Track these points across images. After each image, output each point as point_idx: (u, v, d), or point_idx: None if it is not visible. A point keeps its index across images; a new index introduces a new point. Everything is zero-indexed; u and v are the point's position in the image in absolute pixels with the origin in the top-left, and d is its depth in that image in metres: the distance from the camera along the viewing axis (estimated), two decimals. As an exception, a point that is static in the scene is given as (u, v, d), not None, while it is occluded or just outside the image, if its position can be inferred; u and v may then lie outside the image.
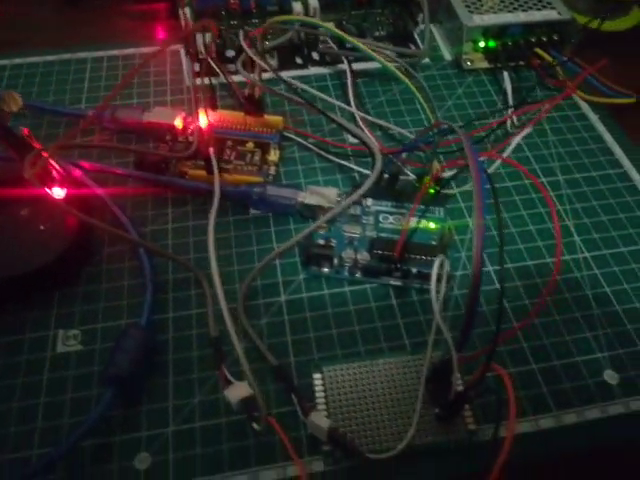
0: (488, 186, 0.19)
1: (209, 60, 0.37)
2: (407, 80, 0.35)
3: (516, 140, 0.34)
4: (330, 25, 0.35)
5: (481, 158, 0.31)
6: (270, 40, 0.39)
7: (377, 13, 0.39)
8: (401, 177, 0.30)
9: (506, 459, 0.19)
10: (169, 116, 0.34)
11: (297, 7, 0.37)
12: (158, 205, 0.31)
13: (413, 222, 0.28)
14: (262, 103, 0.34)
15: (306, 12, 0.38)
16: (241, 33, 0.34)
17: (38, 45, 0.41)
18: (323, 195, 0.30)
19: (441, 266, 0.22)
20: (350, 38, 0.34)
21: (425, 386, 0.23)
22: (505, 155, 0.33)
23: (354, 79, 0.37)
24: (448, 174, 0.29)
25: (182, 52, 0.40)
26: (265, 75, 0.38)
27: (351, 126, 0.31)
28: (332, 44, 0.38)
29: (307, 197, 0.30)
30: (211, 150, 0.30)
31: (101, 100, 0.37)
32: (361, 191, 0.28)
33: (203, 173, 0.31)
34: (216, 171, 0.29)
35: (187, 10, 0.37)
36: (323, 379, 0.24)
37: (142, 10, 0.44)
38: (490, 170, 0.32)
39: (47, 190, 0.27)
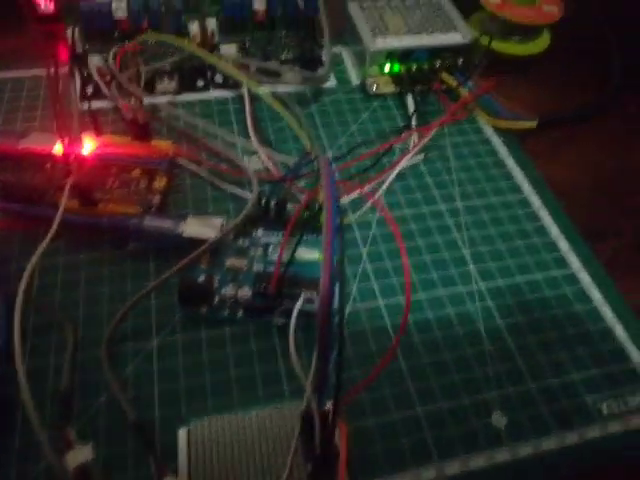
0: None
1: (98, 82, 0.35)
2: (281, 108, 0.33)
3: (403, 162, 0.32)
4: (196, 48, 0.34)
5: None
6: (159, 61, 0.36)
7: (281, 35, 0.38)
8: (289, 206, 0.29)
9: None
10: (48, 142, 0.31)
11: (194, 28, 0.36)
12: (28, 240, 0.29)
13: (297, 252, 0.26)
14: (147, 128, 0.32)
15: (203, 33, 0.36)
16: (111, 52, 0.32)
17: None
18: (207, 226, 0.28)
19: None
20: (214, 59, 0.33)
21: (298, 439, 0.21)
22: (391, 177, 0.32)
23: (252, 106, 0.35)
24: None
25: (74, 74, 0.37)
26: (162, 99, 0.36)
27: (230, 152, 0.30)
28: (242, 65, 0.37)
29: (188, 228, 0.28)
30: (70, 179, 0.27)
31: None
32: (237, 220, 0.26)
33: (74, 203, 0.28)
34: (64, 198, 0.26)
35: (74, 30, 0.35)
36: (188, 435, 0.22)
37: (37, 29, 0.41)
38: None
39: None
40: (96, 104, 0.35)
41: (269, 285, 0.25)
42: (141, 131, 0.32)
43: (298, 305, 0.19)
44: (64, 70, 0.37)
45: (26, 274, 0.22)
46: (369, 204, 0.30)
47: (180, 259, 0.28)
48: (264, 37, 0.38)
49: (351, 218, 0.30)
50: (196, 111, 0.36)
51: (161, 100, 0.36)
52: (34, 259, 0.23)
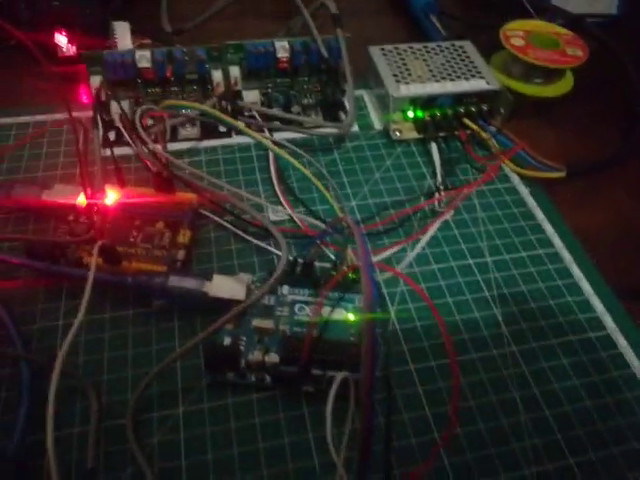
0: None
1: (122, 129, 0.35)
2: (304, 169, 0.32)
3: (432, 230, 0.31)
4: (206, 107, 0.34)
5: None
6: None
7: (303, 81, 0.38)
8: (317, 264, 0.28)
9: None
10: (71, 194, 0.31)
11: (217, 76, 0.36)
12: (50, 297, 0.28)
13: (327, 314, 0.26)
14: (171, 181, 0.31)
15: (227, 80, 0.36)
16: (137, 112, 0.32)
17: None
18: (232, 285, 0.27)
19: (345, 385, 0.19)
20: (230, 120, 0.33)
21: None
22: (424, 241, 0.31)
23: (276, 164, 0.35)
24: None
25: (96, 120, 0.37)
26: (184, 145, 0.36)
27: (253, 211, 0.29)
28: (256, 114, 0.36)
29: (214, 288, 0.27)
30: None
31: (3, 173, 0.34)
32: (270, 282, 0.26)
33: (99, 261, 0.28)
34: (94, 262, 0.26)
35: (97, 79, 0.35)
36: (217, 514, 0.21)
37: (57, 71, 0.41)
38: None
39: None
40: (118, 150, 0.35)
41: (299, 353, 0.24)
42: (165, 184, 0.31)
43: (334, 389, 0.19)
44: (87, 115, 0.38)
45: (67, 341, 0.22)
46: (397, 268, 0.29)
47: (206, 318, 0.27)
48: (286, 83, 0.38)
49: (379, 278, 0.29)
50: (218, 157, 0.36)
51: (183, 146, 0.36)
52: (73, 330, 0.22)
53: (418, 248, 0.30)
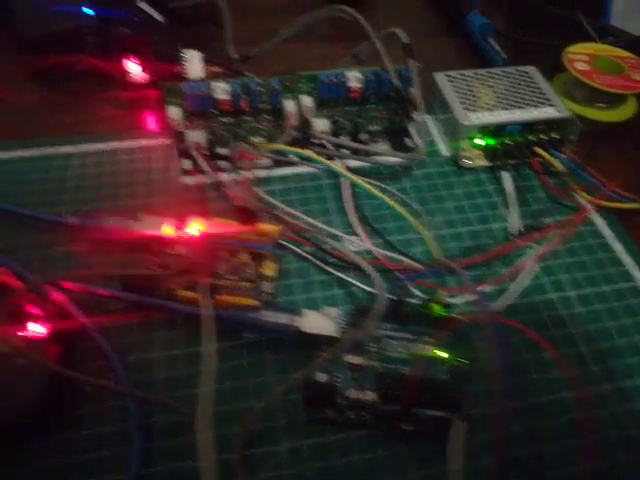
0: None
1: (200, 159, 0.36)
2: (389, 199, 0.32)
3: (521, 279, 0.31)
4: (310, 153, 0.34)
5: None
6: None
7: (371, 108, 0.38)
8: (408, 299, 0.28)
9: None
10: (159, 226, 0.32)
11: (289, 106, 0.36)
12: (144, 329, 0.29)
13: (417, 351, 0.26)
14: (256, 213, 0.32)
15: (299, 110, 0.36)
16: (233, 148, 0.32)
17: (13, 134, 0.39)
18: (323, 321, 0.28)
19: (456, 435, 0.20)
20: (323, 159, 0.33)
21: None
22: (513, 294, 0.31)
23: (351, 192, 0.35)
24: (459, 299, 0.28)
25: (170, 148, 0.38)
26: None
27: (335, 242, 0.30)
28: (328, 143, 0.37)
29: (305, 324, 0.28)
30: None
31: (81, 202, 0.35)
32: (367, 326, 0.26)
33: (195, 295, 0.29)
34: (209, 308, 0.27)
35: (175, 109, 0.35)
36: None
37: (128, 97, 0.42)
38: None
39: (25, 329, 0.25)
40: (192, 179, 0.36)
41: (397, 391, 0.25)
42: (249, 216, 0.32)
43: (451, 448, 0.19)
44: (158, 142, 0.39)
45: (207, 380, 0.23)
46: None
47: (295, 351, 0.28)
48: (354, 111, 0.38)
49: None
50: (290, 186, 0.36)
51: (257, 174, 0.37)
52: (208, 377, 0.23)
53: (509, 298, 0.31)
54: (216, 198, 0.35)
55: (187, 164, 0.37)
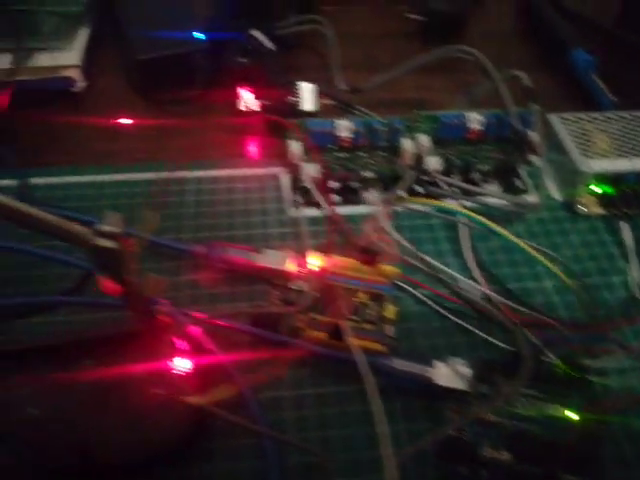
0: None
1: (315, 192, 0.36)
2: (531, 249, 0.32)
3: None
4: (468, 212, 0.34)
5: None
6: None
7: (486, 149, 0.38)
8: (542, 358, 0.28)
9: None
10: (281, 260, 0.32)
11: (407, 144, 0.36)
12: (272, 364, 0.30)
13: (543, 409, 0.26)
14: (378, 254, 0.32)
15: (417, 148, 0.37)
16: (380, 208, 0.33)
17: (126, 157, 0.40)
18: (454, 373, 0.28)
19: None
20: (473, 214, 0.33)
21: None
22: None
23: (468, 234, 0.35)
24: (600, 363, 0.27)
25: (283, 179, 0.39)
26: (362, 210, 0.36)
27: (477, 298, 0.30)
28: (440, 181, 0.37)
29: (436, 375, 0.28)
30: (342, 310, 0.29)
31: (199, 229, 0.36)
32: (514, 389, 0.26)
33: (323, 336, 0.29)
34: (355, 343, 0.27)
35: (295, 143, 0.36)
36: None
37: (239, 124, 0.43)
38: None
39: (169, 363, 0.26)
40: (308, 212, 0.37)
41: (533, 452, 0.25)
42: (370, 255, 0.32)
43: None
44: (277, 173, 0.39)
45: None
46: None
47: (421, 400, 0.28)
48: (468, 150, 0.38)
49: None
50: (401, 224, 0.36)
51: (362, 210, 0.37)
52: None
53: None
54: (329, 232, 0.36)
55: (300, 196, 0.37)
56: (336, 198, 0.37)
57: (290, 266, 0.32)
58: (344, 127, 0.35)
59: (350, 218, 0.36)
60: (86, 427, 0.26)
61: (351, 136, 0.35)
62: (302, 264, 0.32)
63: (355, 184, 0.38)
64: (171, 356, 0.26)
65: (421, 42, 0.53)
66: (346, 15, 0.56)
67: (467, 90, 0.40)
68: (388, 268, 0.33)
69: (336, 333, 0.29)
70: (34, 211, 0.18)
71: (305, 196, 0.37)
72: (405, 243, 0.33)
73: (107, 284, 0.20)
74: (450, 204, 0.35)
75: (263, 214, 0.37)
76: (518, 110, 0.36)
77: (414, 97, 0.46)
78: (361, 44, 0.51)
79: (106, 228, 0.19)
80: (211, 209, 0.37)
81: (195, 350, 0.27)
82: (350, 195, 0.37)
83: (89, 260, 0.20)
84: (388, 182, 0.38)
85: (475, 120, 0.36)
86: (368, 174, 0.38)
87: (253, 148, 0.41)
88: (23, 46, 0.43)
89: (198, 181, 0.39)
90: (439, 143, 0.37)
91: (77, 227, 0.19)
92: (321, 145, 0.36)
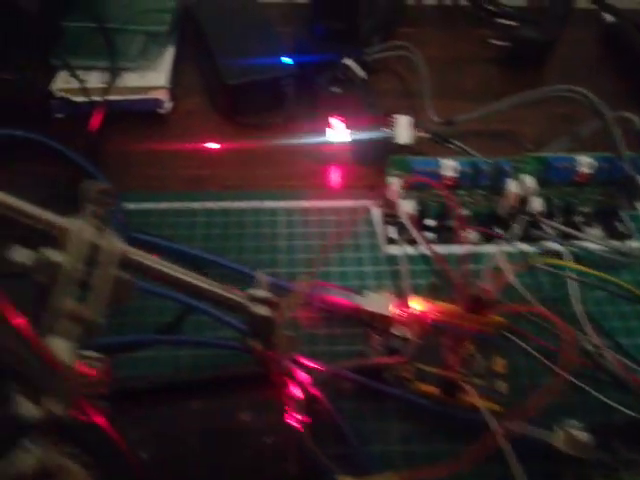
0: None
1: (412, 229, 0.35)
2: None
3: None
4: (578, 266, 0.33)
5: None
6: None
7: (588, 190, 0.37)
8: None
9: None
10: (383, 305, 0.31)
11: (512, 185, 0.35)
12: (380, 416, 0.29)
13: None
14: (490, 304, 0.31)
15: (522, 189, 0.35)
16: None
17: (219, 184, 0.40)
18: (572, 438, 0.26)
19: None
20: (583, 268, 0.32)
21: None
22: None
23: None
24: None
25: (375, 213, 0.38)
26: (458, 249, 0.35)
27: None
28: (543, 224, 0.35)
29: (556, 440, 0.26)
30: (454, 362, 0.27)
31: (293, 264, 0.35)
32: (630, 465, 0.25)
33: (433, 389, 0.28)
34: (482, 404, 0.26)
35: (395, 180, 0.35)
36: None
37: (329, 152, 0.42)
38: None
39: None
40: (401, 249, 0.36)
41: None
42: (479, 304, 0.31)
43: None
44: (369, 206, 0.38)
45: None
46: None
47: (543, 462, 0.27)
48: (571, 191, 0.37)
49: None
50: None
51: (457, 250, 0.36)
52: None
53: None
54: (424, 272, 0.35)
55: (393, 232, 0.36)
56: (431, 236, 0.36)
57: (392, 312, 0.31)
58: (449, 167, 0.34)
59: (446, 258, 0.35)
60: (195, 475, 0.25)
61: (456, 176, 0.34)
62: (404, 308, 0.31)
63: (451, 222, 0.36)
64: (287, 406, 0.25)
65: (504, 68, 0.52)
66: (424, 38, 0.55)
67: (573, 130, 0.38)
68: (496, 318, 0.31)
69: (449, 388, 0.28)
70: (193, 278, 0.18)
71: (400, 233, 0.36)
72: (525, 292, 0.32)
73: (254, 345, 0.20)
74: (560, 262, 0.34)
75: (357, 250, 0.36)
76: (630, 155, 0.35)
77: (505, 129, 0.44)
78: (441, 68, 0.50)
79: (260, 294, 0.18)
80: (304, 242, 0.36)
81: (307, 400, 0.27)
82: (446, 233, 0.36)
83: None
84: (485, 221, 0.37)
85: (586, 164, 0.35)
86: (465, 212, 0.37)
87: (341, 178, 0.41)
88: (115, 66, 0.43)
89: (288, 212, 0.38)
90: (543, 184, 0.36)
91: (236, 295, 0.18)
92: (422, 184, 0.35)
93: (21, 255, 0.13)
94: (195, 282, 0.18)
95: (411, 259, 0.35)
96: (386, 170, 0.35)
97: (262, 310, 0.18)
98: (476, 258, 0.35)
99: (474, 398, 0.28)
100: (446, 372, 0.29)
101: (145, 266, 0.16)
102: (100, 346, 0.29)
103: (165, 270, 0.17)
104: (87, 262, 0.14)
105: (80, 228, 0.14)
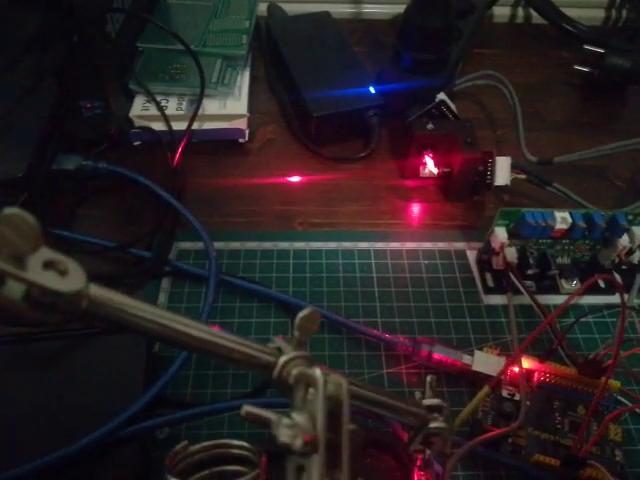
0: None
1: (513, 278, 0.34)
2: None
3: None
4: None
5: None
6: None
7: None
8: None
9: None
10: (496, 366, 0.30)
11: (624, 240, 0.34)
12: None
13: None
14: (605, 370, 0.30)
15: (631, 241, 0.34)
16: None
17: (305, 222, 0.39)
18: None
19: None
20: None
21: None
22: None
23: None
24: None
25: (470, 257, 0.37)
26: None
27: None
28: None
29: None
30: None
31: (385, 314, 0.34)
32: None
33: (552, 461, 0.27)
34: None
35: (502, 230, 0.34)
36: None
37: (417, 188, 0.41)
38: None
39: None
40: (499, 299, 0.35)
41: None
42: (596, 371, 0.30)
43: None
44: (465, 250, 0.37)
45: None
46: None
47: None
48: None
49: None
50: (606, 320, 0.34)
51: (556, 301, 0.35)
52: None
53: None
54: (527, 324, 0.34)
55: (491, 281, 0.35)
56: (529, 284, 0.35)
57: (504, 374, 0.30)
58: (562, 219, 0.33)
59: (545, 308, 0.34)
60: None
61: (566, 228, 0.33)
62: (514, 368, 0.30)
63: (553, 271, 0.35)
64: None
65: (586, 94, 0.50)
66: (500, 60, 0.53)
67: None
68: (612, 382, 0.30)
69: (570, 460, 0.27)
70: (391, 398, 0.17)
71: (496, 280, 0.35)
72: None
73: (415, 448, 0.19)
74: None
75: (455, 299, 0.35)
76: None
77: (594, 165, 0.43)
78: (522, 95, 0.48)
79: (430, 402, 0.17)
80: (396, 289, 0.35)
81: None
82: (546, 282, 0.35)
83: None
84: (585, 270, 0.36)
85: (703, 217, 0.33)
86: (564, 261, 0.35)
87: (431, 217, 0.40)
88: (201, 92, 0.42)
89: (377, 254, 0.37)
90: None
91: (419, 409, 0.17)
92: (530, 233, 0.34)
93: (285, 435, 0.12)
94: (394, 403, 0.17)
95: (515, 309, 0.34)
96: (495, 220, 0.34)
97: (437, 424, 0.17)
98: (577, 309, 0.34)
99: (603, 475, 0.27)
100: (565, 441, 0.28)
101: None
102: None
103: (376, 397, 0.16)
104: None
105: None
